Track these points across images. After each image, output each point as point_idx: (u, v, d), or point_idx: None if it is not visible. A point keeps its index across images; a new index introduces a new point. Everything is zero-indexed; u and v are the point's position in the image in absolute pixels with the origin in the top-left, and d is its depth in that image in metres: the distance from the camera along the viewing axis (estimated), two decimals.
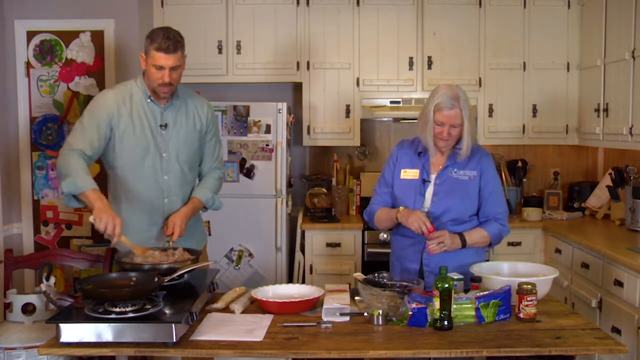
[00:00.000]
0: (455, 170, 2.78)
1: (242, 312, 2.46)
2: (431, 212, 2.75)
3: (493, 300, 2.32)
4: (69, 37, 4.15)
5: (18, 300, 2.88)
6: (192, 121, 2.92)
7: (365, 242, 4.26)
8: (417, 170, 2.81)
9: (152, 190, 2.87)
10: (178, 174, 2.90)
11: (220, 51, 4.47)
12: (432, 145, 2.74)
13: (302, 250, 4.32)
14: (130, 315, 2.13)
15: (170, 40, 2.70)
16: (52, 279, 2.88)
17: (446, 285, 2.23)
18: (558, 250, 4.06)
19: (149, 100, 2.85)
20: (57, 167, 2.72)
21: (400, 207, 2.76)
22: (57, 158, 2.78)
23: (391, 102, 4.48)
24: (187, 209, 2.87)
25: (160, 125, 2.85)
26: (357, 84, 4.51)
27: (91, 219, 2.55)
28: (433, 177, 2.79)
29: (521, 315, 2.34)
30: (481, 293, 2.37)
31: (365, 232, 4.26)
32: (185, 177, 2.92)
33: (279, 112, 4.17)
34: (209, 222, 4.06)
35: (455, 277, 2.50)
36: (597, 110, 4.14)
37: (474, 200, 2.80)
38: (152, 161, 2.85)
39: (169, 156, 2.87)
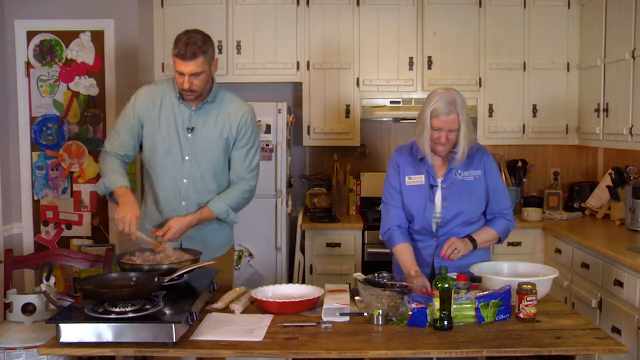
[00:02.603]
0: (459, 172, 2.77)
1: (242, 312, 2.46)
2: (443, 217, 2.76)
3: (493, 300, 2.32)
4: (69, 37, 4.15)
5: (18, 300, 2.88)
6: (219, 128, 2.84)
7: (365, 242, 4.26)
8: (422, 176, 2.79)
9: (171, 191, 2.86)
10: (197, 180, 2.85)
11: (220, 51, 4.46)
12: (429, 151, 2.71)
13: (302, 250, 4.32)
14: (130, 315, 2.13)
15: (189, 46, 2.64)
16: (52, 279, 2.89)
17: (446, 285, 2.23)
18: (558, 250, 4.06)
19: (179, 102, 2.83)
20: (99, 169, 2.91)
21: (413, 271, 2.66)
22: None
23: (391, 102, 4.48)
24: (192, 217, 2.79)
25: (187, 129, 2.83)
26: (357, 84, 4.51)
27: (115, 217, 2.66)
28: (439, 181, 2.78)
29: (521, 315, 2.34)
30: (481, 293, 2.37)
31: (365, 232, 4.26)
32: (205, 184, 2.86)
33: (279, 112, 4.17)
34: None
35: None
36: (597, 110, 4.14)
37: (482, 200, 2.80)
38: (173, 163, 2.84)
39: (191, 160, 2.84)
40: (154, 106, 2.83)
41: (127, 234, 2.63)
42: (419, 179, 2.79)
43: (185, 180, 2.85)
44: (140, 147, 2.91)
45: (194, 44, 2.66)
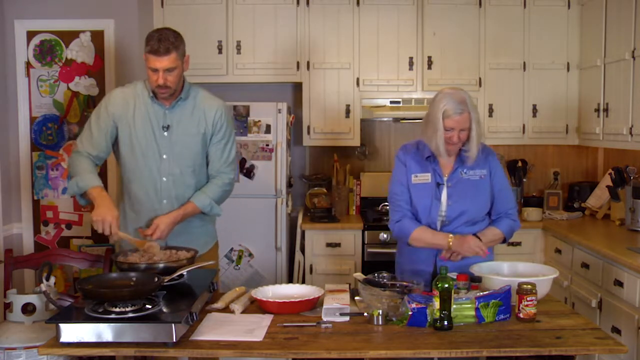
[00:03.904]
0: (465, 171, 2.78)
1: (242, 312, 2.46)
2: (447, 215, 2.76)
3: (493, 300, 2.32)
4: (69, 37, 4.15)
5: (18, 300, 2.88)
6: (195, 124, 2.87)
7: (365, 242, 4.26)
8: (429, 174, 2.79)
9: (150, 191, 2.86)
10: (177, 177, 2.86)
11: (220, 51, 4.47)
12: (445, 152, 2.71)
13: (302, 250, 4.32)
14: (130, 315, 2.13)
15: (161, 42, 2.67)
16: (52, 279, 2.88)
17: (446, 285, 2.23)
18: (558, 250, 4.06)
19: (152, 101, 2.83)
20: (68, 169, 2.80)
21: (450, 236, 2.69)
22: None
23: (391, 102, 4.48)
24: (176, 213, 2.81)
25: (163, 127, 2.84)
26: (357, 84, 4.51)
27: (92, 219, 2.59)
28: (445, 179, 2.79)
29: (521, 315, 2.34)
30: (481, 293, 2.37)
31: (365, 232, 4.26)
32: (185, 180, 2.88)
33: (279, 112, 4.17)
34: None
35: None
36: (597, 110, 4.14)
37: (487, 200, 2.81)
38: (151, 163, 2.84)
39: (169, 159, 2.85)
40: (128, 107, 2.82)
41: (107, 235, 2.59)
42: (425, 178, 2.80)
43: (164, 179, 2.85)
44: (114, 148, 2.90)
45: (167, 39, 2.69)
